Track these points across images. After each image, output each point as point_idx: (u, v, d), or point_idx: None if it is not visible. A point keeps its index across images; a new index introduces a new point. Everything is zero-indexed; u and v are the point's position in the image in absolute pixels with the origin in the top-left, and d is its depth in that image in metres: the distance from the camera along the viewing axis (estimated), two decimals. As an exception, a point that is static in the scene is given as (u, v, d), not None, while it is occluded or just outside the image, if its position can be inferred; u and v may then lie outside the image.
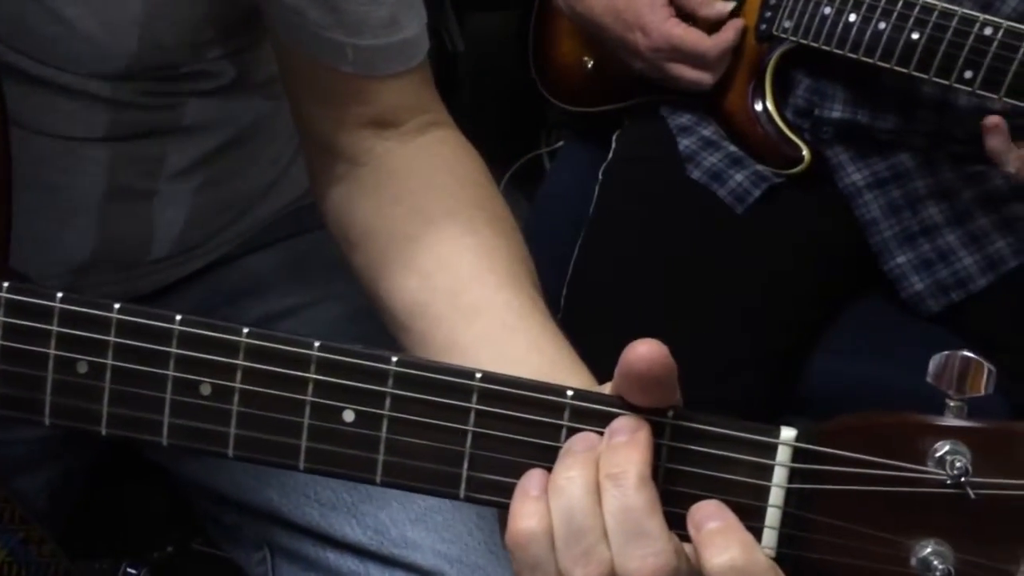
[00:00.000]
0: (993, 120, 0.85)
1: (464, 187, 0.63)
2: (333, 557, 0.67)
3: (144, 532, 0.81)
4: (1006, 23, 0.86)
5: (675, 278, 0.96)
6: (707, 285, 0.96)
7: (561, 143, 1.37)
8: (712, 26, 0.99)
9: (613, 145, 1.08)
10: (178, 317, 0.45)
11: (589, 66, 1.09)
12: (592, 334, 0.97)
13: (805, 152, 0.96)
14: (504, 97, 1.33)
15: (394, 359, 0.45)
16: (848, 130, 0.98)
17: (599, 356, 0.95)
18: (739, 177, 0.97)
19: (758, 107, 0.98)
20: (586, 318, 0.98)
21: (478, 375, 0.45)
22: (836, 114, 0.97)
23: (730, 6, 0.99)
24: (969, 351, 0.46)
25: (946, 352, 0.47)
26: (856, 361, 1.01)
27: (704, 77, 0.98)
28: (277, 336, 0.45)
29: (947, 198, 0.99)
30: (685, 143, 1.00)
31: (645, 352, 0.43)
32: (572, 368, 0.54)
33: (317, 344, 0.45)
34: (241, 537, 0.71)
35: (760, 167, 0.98)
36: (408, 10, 0.62)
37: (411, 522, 0.65)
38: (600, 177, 1.06)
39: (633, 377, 0.43)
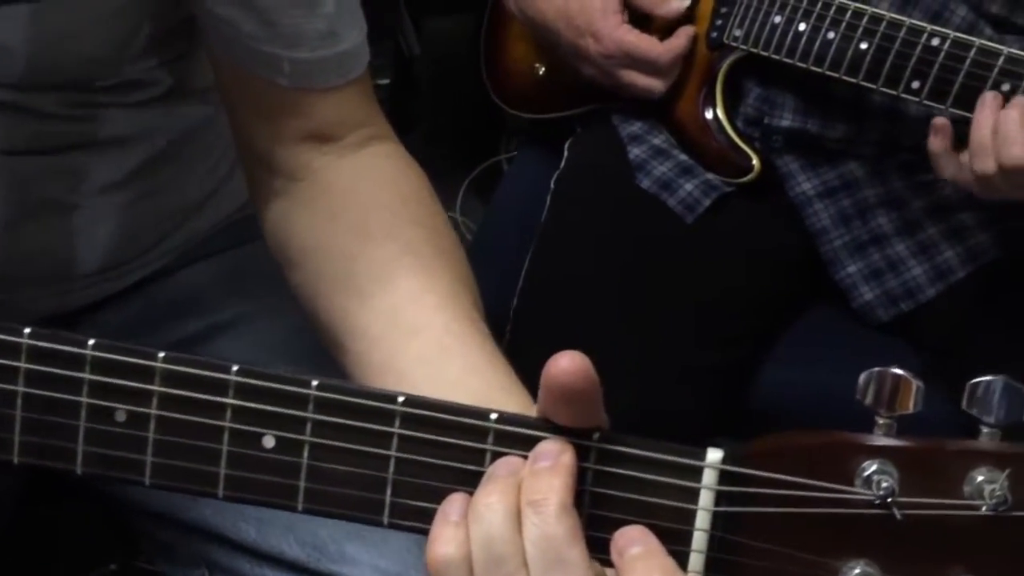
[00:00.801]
0: (940, 122, 0.85)
1: (405, 204, 0.62)
2: (272, 575, 0.66)
3: (85, 550, 0.79)
4: (953, 34, 0.86)
5: (625, 289, 0.96)
6: (658, 295, 0.95)
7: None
8: (664, 33, 0.99)
9: (565, 153, 1.07)
10: (91, 342, 0.44)
11: (541, 72, 1.09)
12: (542, 344, 0.96)
13: (755, 161, 0.96)
14: (463, 102, 1.33)
15: (315, 383, 0.44)
16: (798, 139, 0.98)
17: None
18: (689, 186, 0.97)
19: (709, 115, 0.98)
20: (536, 329, 0.98)
21: (400, 399, 0.44)
22: (786, 123, 0.97)
23: (687, 2, 0.98)
24: (898, 368, 0.46)
25: (875, 369, 0.47)
26: (809, 370, 1.01)
27: (656, 84, 0.98)
28: (194, 360, 0.44)
29: (897, 207, 0.99)
30: (635, 152, 1.00)
31: (567, 364, 0.42)
32: (510, 390, 0.54)
33: (235, 368, 0.44)
34: (177, 555, 0.70)
35: (710, 176, 0.97)
36: (347, 22, 0.61)
37: (349, 538, 0.64)
38: (552, 186, 1.05)
39: (556, 390, 0.43)
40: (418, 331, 0.56)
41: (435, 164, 0.66)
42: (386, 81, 1.75)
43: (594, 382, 0.43)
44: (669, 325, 0.95)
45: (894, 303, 1.00)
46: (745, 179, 0.96)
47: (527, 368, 0.99)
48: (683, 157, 0.99)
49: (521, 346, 0.99)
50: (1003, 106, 0.82)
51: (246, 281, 0.74)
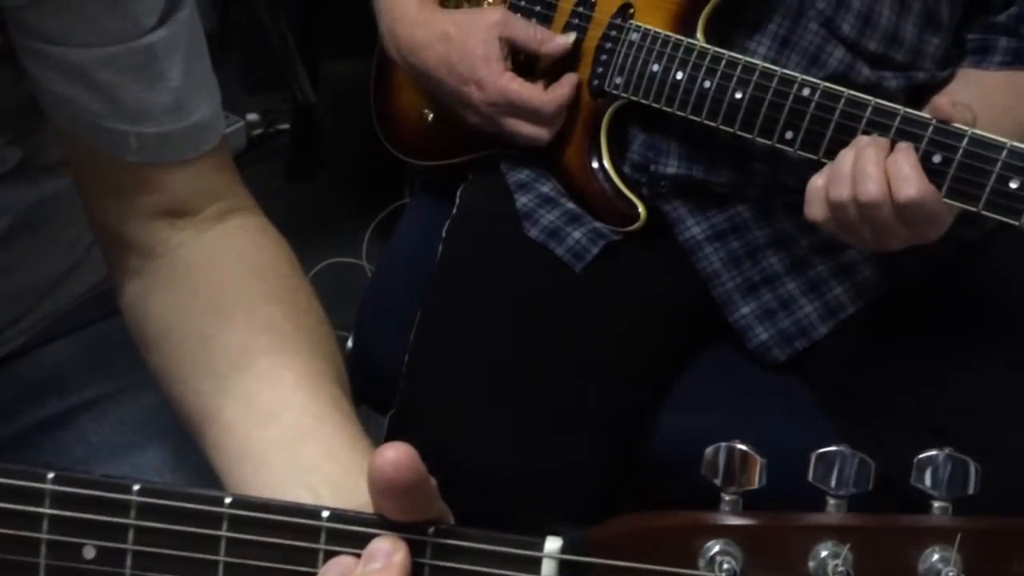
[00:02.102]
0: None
1: (263, 279, 0.60)
2: None
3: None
4: (823, 84, 0.87)
5: (516, 341, 0.95)
6: (550, 346, 0.95)
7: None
8: (548, 81, 0.99)
9: (457, 201, 1.06)
10: None
11: (429, 119, 1.08)
12: (434, 399, 0.96)
13: (641, 209, 0.96)
14: (366, 146, 1.31)
15: (135, 488, 0.42)
16: (684, 185, 0.98)
17: (442, 418, 0.93)
18: (577, 235, 0.97)
19: (595, 164, 0.97)
20: (428, 383, 0.96)
21: (227, 500, 0.42)
22: (671, 169, 0.97)
23: (572, 36, 0.98)
24: (741, 443, 0.46)
25: (719, 444, 0.46)
26: (708, 414, 1.01)
27: (540, 133, 0.98)
28: (6, 469, 0.42)
29: (786, 247, 1.00)
30: (523, 200, 1.00)
31: (392, 457, 0.41)
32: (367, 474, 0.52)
33: (51, 476, 0.42)
34: None
35: (598, 224, 0.97)
36: (196, 94, 0.60)
37: None
38: (444, 234, 1.04)
39: (382, 484, 0.41)
40: (275, 415, 0.55)
41: (340, 209, 0.65)
42: (286, 127, 1.73)
43: (421, 474, 0.41)
44: (562, 375, 0.94)
45: (789, 342, 1.00)
46: (631, 228, 0.96)
47: (421, 422, 0.98)
48: (571, 205, 0.98)
49: (414, 401, 0.98)
50: None
51: (110, 356, 0.72)
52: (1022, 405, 0.93)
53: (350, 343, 1.10)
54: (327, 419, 0.55)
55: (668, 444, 0.99)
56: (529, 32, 0.97)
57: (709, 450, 0.46)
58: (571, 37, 0.98)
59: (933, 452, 0.45)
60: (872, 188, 0.81)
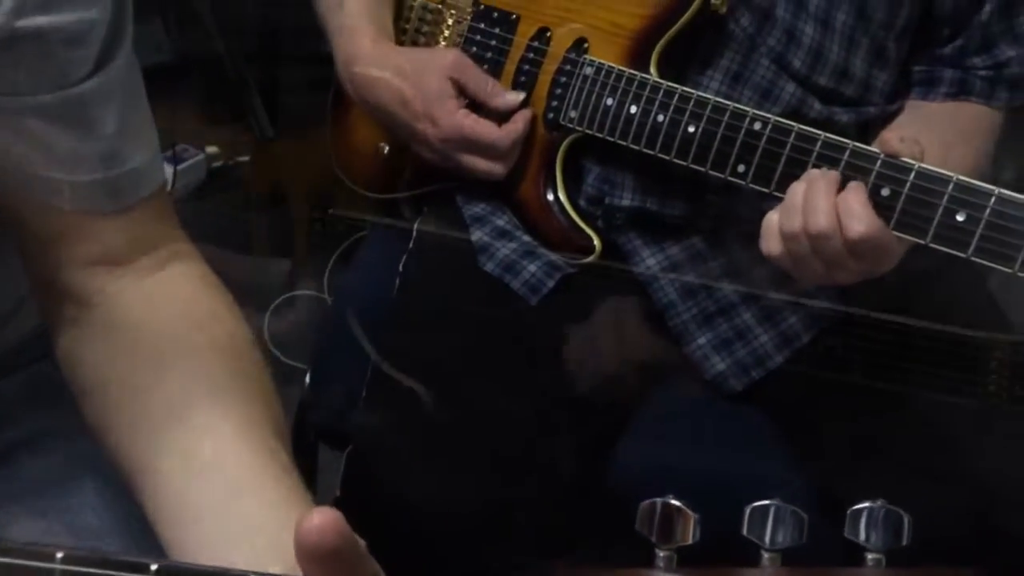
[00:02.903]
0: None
1: (201, 328, 0.60)
2: None
3: None
4: (773, 118, 0.88)
5: (472, 375, 0.94)
6: (506, 380, 0.95)
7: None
8: (502, 116, 0.99)
9: (413, 234, 1.06)
10: None
11: (385, 152, 1.08)
12: (390, 436, 0.95)
13: (596, 242, 0.96)
14: (327, 178, 1.32)
15: (59, 555, 0.41)
16: (639, 217, 0.98)
17: (397, 455, 0.93)
18: (532, 268, 0.97)
19: (550, 197, 0.98)
20: (384, 421, 0.96)
21: (153, 567, 0.42)
22: (626, 202, 0.98)
23: (521, 96, 0.99)
24: (674, 498, 0.46)
25: (652, 500, 0.46)
26: (667, 445, 1.01)
27: (495, 168, 0.98)
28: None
29: (740, 277, 1.00)
30: (478, 234, 1.00)
31: (317, 523, 0.41)
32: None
33: (-32, 545, 0.41)
34: None
35: (554, 257, 0.97)
36: (133, 141, 0.59)
37: None
38: (400, 268, 1.04)
39: (308, 550, 0.41)
40: (212, 468, 0.54)
41: (301, 241, 0.64)
42: (246, 159, 1.74)
43: (347, 538, 0.41)
44: (519, 409, 0.94)
45: (745, 371, 1.01)
46: (586, 260, 0.96)
47: (377, 459, 0.97)
48: (526, 238, 0.99)
49: (370, 437, 0.97)
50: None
51: (50, 394, 0.71)
52: (978, 432, 0.94)
53: (308, 378, 1.09)
54: (263, 472, 0.54)
55: (627, 476, 0.99)
56: (480, 83, 0.98)
57: (644, 505, 0.46)
58: (520, 96, 0.98)
59: (866, 504, 0.45)
60: (822, 220, 0.82)
